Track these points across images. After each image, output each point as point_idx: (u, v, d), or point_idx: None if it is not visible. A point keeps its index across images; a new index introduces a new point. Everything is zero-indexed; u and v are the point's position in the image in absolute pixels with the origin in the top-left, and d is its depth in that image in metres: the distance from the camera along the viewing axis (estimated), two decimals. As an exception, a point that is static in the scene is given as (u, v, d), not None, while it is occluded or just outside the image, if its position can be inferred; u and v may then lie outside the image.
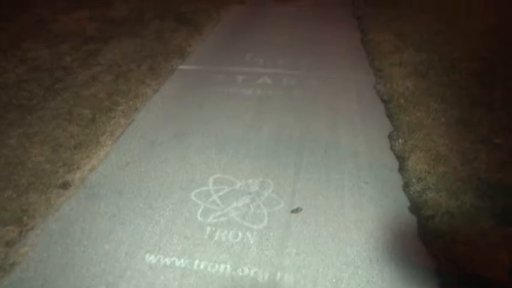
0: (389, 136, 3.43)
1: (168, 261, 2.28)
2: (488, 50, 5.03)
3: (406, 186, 2.85)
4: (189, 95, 4.13)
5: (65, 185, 2.88)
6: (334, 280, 2.18)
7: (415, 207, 2.66)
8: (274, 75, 4.51)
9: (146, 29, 6.08)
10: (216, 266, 2.25)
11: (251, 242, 2.41)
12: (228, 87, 4.25)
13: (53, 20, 6.72)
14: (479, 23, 6.09)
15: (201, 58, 5.08)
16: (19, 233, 2.49)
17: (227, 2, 7.68)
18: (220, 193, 2.75)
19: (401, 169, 3.02)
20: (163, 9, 7.14)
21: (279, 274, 2.21)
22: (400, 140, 3.33)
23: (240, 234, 2.46)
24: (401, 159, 3.13)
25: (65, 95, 4.13)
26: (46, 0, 8.01)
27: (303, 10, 7.34)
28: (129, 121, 3.65)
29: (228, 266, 2.25)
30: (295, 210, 2.63)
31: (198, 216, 2.57)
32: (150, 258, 2.29)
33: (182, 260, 2.28)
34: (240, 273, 2.21)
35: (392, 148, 3.27)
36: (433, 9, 6.76)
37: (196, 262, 2.27)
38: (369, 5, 7.30)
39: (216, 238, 2.42)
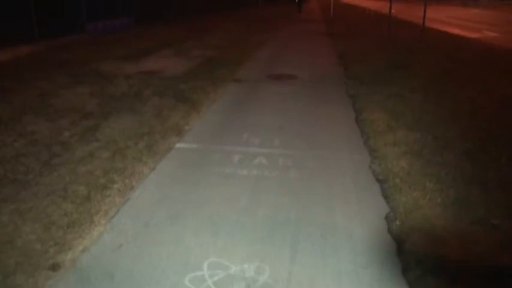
0: (386, 217, 3.41)
1: None
2: (479, 129, 5.17)
3: (405, 271, 2.78)
4: (185, 175, 4.14)
5: (55, 267, 2.79)
6: None
7: (416, 294, 2.59)
8: (270, 155, 4.56)
9: (145, 106, 6.23)
10: None
11: (246, 333, 2.31)
12: (224, 167, 4.28)
13: (54, 94, 6.91)
14: (467, 103, 6.30)
15: (198, 137, 5.16)
16: (1, 319, 2.38)
17: (224, 80, 7.95)
18: (215, 278, 2.68)
19: (400, 252, 2.97)
20: (162, 86, 7.36)
21: None
22: (397, 222, 3.31)
23: (234, 324, 2.36)
24: (399, 241, 3.09)
25: (62, 170, 4.14)
26: (49, 75, 8.29)
27: (298, 89, 7.58)
28: (124, 200, 3.63)
29: None
30: (292, 298, 2.55)
31: (192, 304, 2.48)
32: None
33: None
34: None
35: (389, 230, 3.24)
36: (423, 89, 7.02)
37: None
38: (362, 84, 7.57)
39: (209, 328, 2.33)
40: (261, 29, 17.95)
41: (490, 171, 4.07)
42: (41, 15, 12.85)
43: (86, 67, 9.24)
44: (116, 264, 2.81)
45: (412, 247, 2.99)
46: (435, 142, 4.81)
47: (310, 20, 25.95)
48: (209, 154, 4.60)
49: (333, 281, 2.69)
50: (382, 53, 10.91)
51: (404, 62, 9.47)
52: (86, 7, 14.93)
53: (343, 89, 7.48)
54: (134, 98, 6.69)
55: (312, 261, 2.87)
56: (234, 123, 5.65)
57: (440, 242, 3.04)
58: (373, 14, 29.42)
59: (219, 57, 10.51)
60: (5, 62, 10.19)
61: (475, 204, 3.52)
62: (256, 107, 6.42)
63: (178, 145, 4.85)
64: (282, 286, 2.63)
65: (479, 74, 8.42)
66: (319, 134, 5.29)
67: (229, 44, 13.33)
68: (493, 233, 3.16)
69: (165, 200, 3.64)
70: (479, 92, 6.96)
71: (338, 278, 2.71)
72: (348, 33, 16.38)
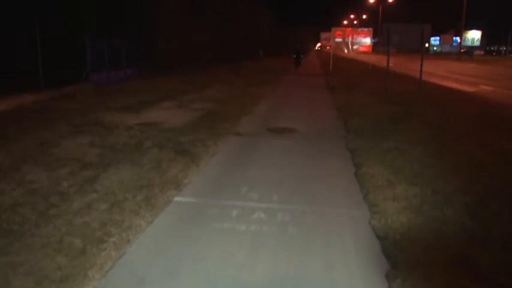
0: (387, 275, 3.34)
1: None
2: (479, 183, 5.14)
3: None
4: (183, 229, 4.09)
5: (45, 324, 2.71)
6: None
7: None
8: (269, 210, 4.52)
9: (144, 158, 6.24)
10: None
11: None
12: (222, 222, 4.22)
13: (55, 143, 6.95)
14: (466, 157, 6.32)
15: (196, 190, 5.13)
16: None
17: (224, 133, 8.00)
18: None
19: (401, 312, 2.90)
20: (162, 138, 7.41)
21: None
22: (398, 280, 3.24)
23: None
24: (400, 301, 3.02)
25: (58, 222, 4.10)
26: (51, 124, 8.39)
27: (297, 142, 7.62)
28: (120, 254, 3.56)
29: None
30: None
31: None
32: None
33: None
34: None
35: (390, 289, 3.17)
36: (422, 143, 7.05)
37: None
38: (361, 138, 7.61)
39: None
40: (261, 82, 18.29)
41: (492, 228, 4.02)
42: (47, 65, 13.27)
43: (88, 117, 9.35)
44: (108, 323, 2.73)
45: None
46: (435, 197, 4.78)
47: (310, 74, 26.54)
48: (207, 208, 4.56)
49: None
50: (380, 107, 11.08)
51: (403, 116, 9.59)
52: (91, 58, 15.37)
53: (342, 143, 7.52)
54: (134, 149, 6.71)
55: (310, 322, 2.79)
56: (233, 177, 5.63)
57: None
58: (371, 68, 30.13)
59: (219, 110, 10.64)
60: (9, 110, 10.38)
61: (477, 262, 3.46)
62: (255, 161, 6.42)
63: (176, 199, 4.82)
64: None
65: (477, 128, 8.51)
66: (318, 188, 5.26)
67: (229, 96, 13.54)
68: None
69: (162, 254, 3.58)
70: (477, 145, 7.00)
71: None
72: (347, 87, 16.71)
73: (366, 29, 32.84)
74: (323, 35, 34.17)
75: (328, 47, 33.26)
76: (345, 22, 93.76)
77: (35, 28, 13.27)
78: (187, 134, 7.73)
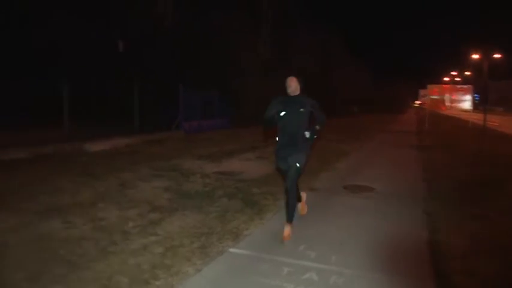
0: None
1: None
2: None
3: None
4: (229, 281, 3.99)
5: None
6: None
7: None
8: (322, 271, 4.22)
9: (212, 206, 6.31)
10: None
11: None
12: (271, 278, 4.03)
13: (133, 185, 7.34)
14: None
15: (254, 243, 4.99)
16: None
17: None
18: None
19: None
20: (235, 188, 7.47)
21: None
22: None
23: None
24: None
25: (113, 259, 4.27)
26: (134, 166, 8.95)
27: (372, 202, 7.13)
28: (160, 299, 3.55)
29: None
30: None
31: None
32: None
33: None
34: None
35: None
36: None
37: None
38: (444, 201, 6.94)
39: None
40: (349, 139, 17.92)
41: None
42: (143, 113, 14.40)
43: (170, 162, 9.79)
44: None
45: None
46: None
47: (402, 131, 25.61)
48: (260, 262, 4.40)
49: None
50: (472, 169, 10.26)
51: (497, 180, 8.75)
52: (184, 109, 16.31)
53: (420, 206, 6.87)
54: (205, 197, 6.82)
55: None
56: (294, 234, 5.27)
57: None
58: (471, 126, 28.37)
59: (299, 164, 10.51)
60: (104, 151, 11.33)
61: None
62: (323, 219, 6.11)
63: (231, 249, 4.73)
64: None
65: None
66: (383, 253, 4.82)
67: (313, 151, 13.33)
68: None
69: (201, 306, 3.48)
70: None
71: None
72: (440, 146, 15.78)
73: (465, 86, 31.34)
74: (422, 92, 33.22)
75: (426, 104, 32.00)
76: (446, 79, 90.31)
77: (134, 80, 14.54)
78: (260, 186, 7.71)
